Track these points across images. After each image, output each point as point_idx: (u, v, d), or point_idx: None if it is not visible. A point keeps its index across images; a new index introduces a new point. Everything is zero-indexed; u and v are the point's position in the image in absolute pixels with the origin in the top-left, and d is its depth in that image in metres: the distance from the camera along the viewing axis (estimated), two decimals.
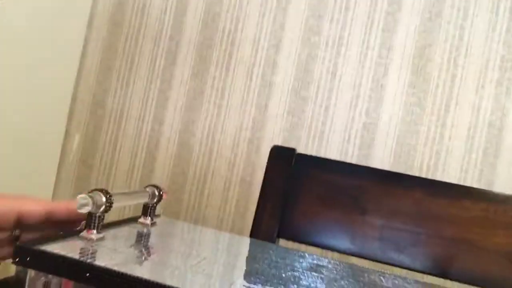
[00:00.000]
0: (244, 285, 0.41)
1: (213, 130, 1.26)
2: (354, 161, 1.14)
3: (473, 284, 0.71)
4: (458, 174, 1.09)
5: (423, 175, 1.09)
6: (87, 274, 0.37)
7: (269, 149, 0.84)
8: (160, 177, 1.29)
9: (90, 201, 0.42)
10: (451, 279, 0.73)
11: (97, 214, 0.44)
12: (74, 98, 1.36)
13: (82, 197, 0.42)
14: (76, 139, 1.36)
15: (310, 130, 1.19)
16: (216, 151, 1.25)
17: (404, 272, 0.76)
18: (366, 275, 0.55)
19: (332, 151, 1.17)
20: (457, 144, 1.10)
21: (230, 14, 1.26)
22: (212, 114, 1.26)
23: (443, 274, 0.72)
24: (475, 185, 1.05)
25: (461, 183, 1.07)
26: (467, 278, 0.71)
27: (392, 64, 1.15)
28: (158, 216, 0.58)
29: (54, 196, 1.35)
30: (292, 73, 1.20)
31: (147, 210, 0.54)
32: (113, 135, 1.33)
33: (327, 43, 1.19)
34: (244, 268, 0.50)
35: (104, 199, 0.43)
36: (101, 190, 0.44)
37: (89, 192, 0.44)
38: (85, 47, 1.36)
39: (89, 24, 1.35)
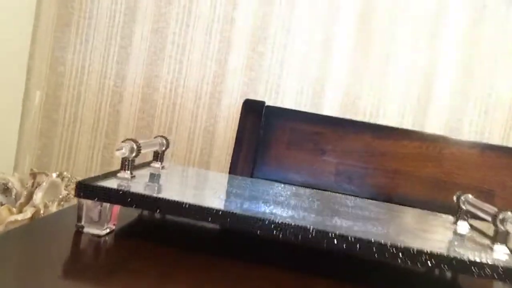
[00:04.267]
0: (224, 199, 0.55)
1: (176, 85, 1.35)
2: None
3: (409, 206, 0.88)
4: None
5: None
6: (129, 199, 0.50)
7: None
8: (125, 133, 1.38)
9: (126, 147, 0.54)
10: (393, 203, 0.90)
11: (130, 159, 0.55)
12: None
13: (119, 146, 0.54)
14: (37, 95, 1.41)
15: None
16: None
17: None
18: (331, 198, 0.70)
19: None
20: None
21: None
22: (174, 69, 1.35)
23: (387, 199, 0.89)
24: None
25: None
26: (405, 201, 0.88)
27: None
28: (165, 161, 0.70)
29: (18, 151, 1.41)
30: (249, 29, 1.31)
31: (158, 156, 0.66)
32: (75, 91, 1.40)
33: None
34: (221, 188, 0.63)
35: (135, 146, 0.54)
36: (131, 140, 0.55)
37: (122, 142, 0.55)
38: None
39: None
